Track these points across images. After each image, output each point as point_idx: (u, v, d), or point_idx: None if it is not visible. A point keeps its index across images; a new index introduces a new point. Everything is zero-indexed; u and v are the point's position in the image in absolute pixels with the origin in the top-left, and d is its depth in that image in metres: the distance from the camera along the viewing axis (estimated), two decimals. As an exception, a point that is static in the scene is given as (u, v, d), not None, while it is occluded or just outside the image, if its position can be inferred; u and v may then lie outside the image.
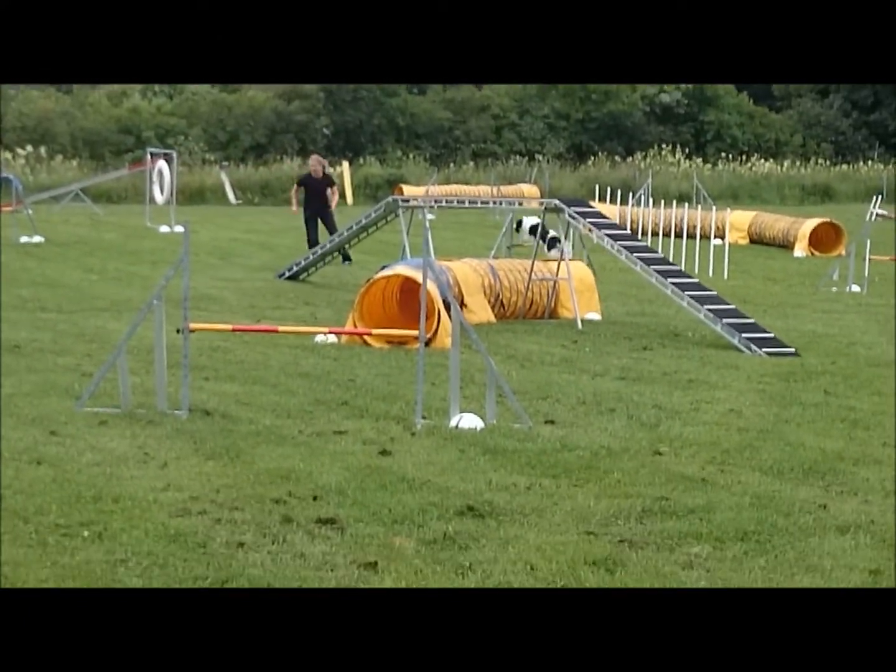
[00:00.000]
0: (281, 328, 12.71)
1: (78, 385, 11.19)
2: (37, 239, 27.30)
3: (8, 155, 49.59)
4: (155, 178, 36.59)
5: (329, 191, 24.79)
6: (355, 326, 14.57)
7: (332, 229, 24.11)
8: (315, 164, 25.34)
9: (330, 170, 25.55)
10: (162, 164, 36.26)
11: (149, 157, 37.12)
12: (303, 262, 21.53)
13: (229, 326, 13.04)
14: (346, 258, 23.84)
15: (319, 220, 24.71)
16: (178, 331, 10.40)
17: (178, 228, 30.39)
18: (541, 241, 22.73)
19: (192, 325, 10.60)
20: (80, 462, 8.53)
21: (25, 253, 25.10)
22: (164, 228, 31.30)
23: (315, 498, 7.77)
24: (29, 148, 50.23)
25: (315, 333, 14.19)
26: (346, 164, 50.55)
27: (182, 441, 9.25)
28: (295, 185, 25.83)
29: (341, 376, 12.13)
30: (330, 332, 13.93)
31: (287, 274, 21.58)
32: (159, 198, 36.29)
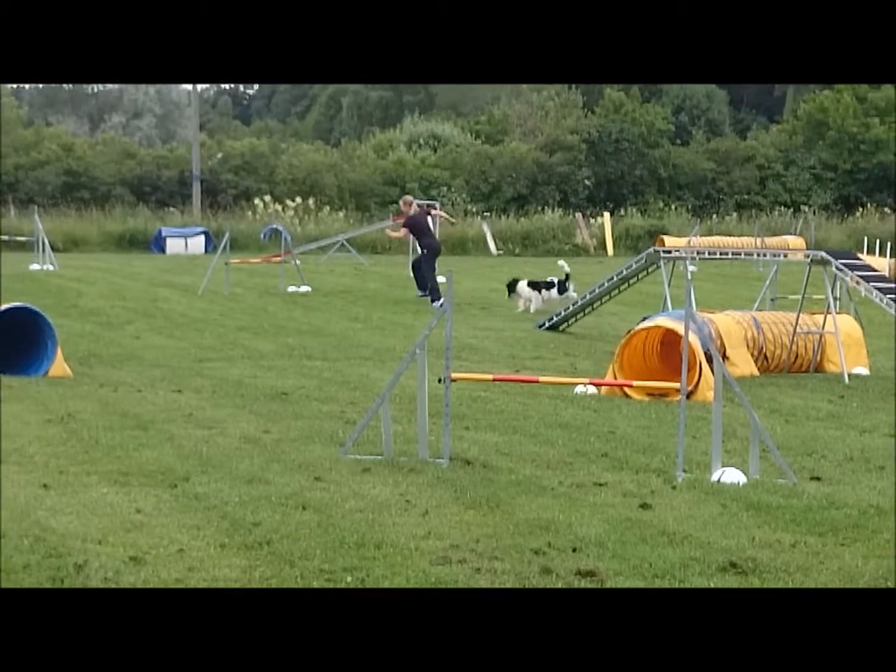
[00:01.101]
0: (541, 378, 12.70)
1: (342, 432, 11.39)
2: (304, 288, 27.99)
3: (278, 207, 51.09)
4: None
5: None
6: (615, 378, 14.49)
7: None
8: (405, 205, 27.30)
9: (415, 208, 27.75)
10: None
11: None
12: (563, 313, 21.56)
13: (490, 376, 13.10)
14: (434, 297, 25.36)
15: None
16: (439, 380, 10.49)
17: (440, 279, 30.74)
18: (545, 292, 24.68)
19: (454, 375, 10.67)
20: (344, 508, 8.66)
21: (293, 302, 25.75)
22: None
23: (574, 550, 7.71)
24: (298, 200, 51.66)
25: (575, 384, 14.15)
26: (606, 215, 50.49)
27: (443, 489, 9.30)
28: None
29: (601, 428, 12.06)
30: (590, 384, 13.86)
31: (547, 324, 21.64)
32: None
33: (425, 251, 26.81)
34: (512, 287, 25.51)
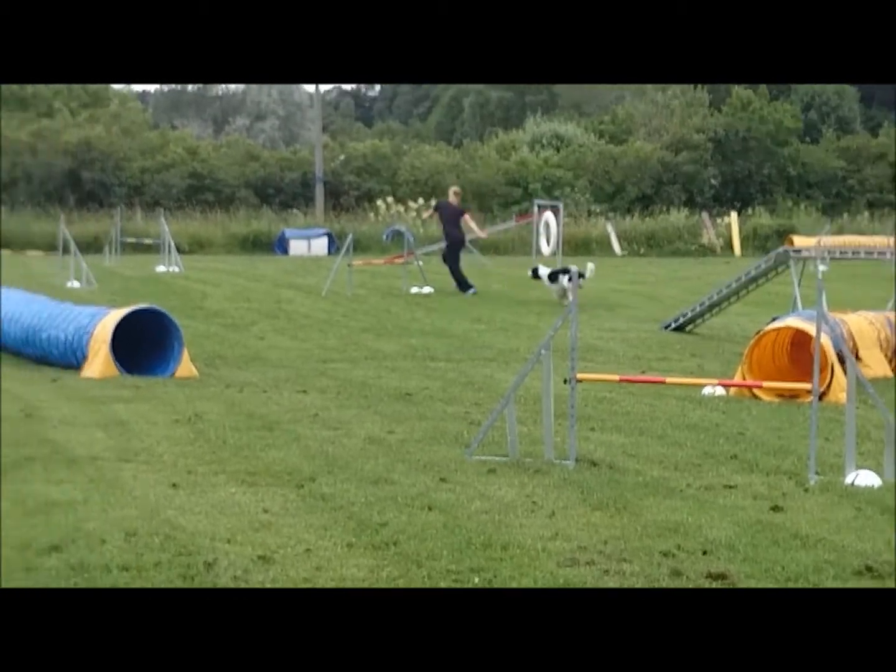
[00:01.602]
0: (668, 379, 12.55)
1: (467, 433, 11.35)
2: (426, 290, 28.02)
3: (400, 208, 51.29)
4: (542, 229, 37.06)
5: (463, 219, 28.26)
6: (744, 379, 14.28)
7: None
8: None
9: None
10: (549, 215, 36.68)
11: (536, 208, 37.66)
12: (689, 314, 21.33)
13: (616, 377, 12.97)
14: (466, 287, 27.08)
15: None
16: (565, 381, 10.40)
17: (565, 280, 30.63)
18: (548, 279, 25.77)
19: (580, 376, 10.57)
20: (470, 509, 8.61)
21: (416, 303, 25.79)
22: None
23: (705, 552, 7.58)
24: (420, 201, 51.82)
25: (703, 385, 13.97)
26: (733, 214, 49.99)
27: (569, 491, 9.21)
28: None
29: (730, 429, 11.88)
30: (718, 385, 13.67)
31: (673, 325, 21.42)
32: (546, 249, 36.72)
33: (447, 243, 28.79)
34: (535, 273, 26.69)
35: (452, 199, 29.03)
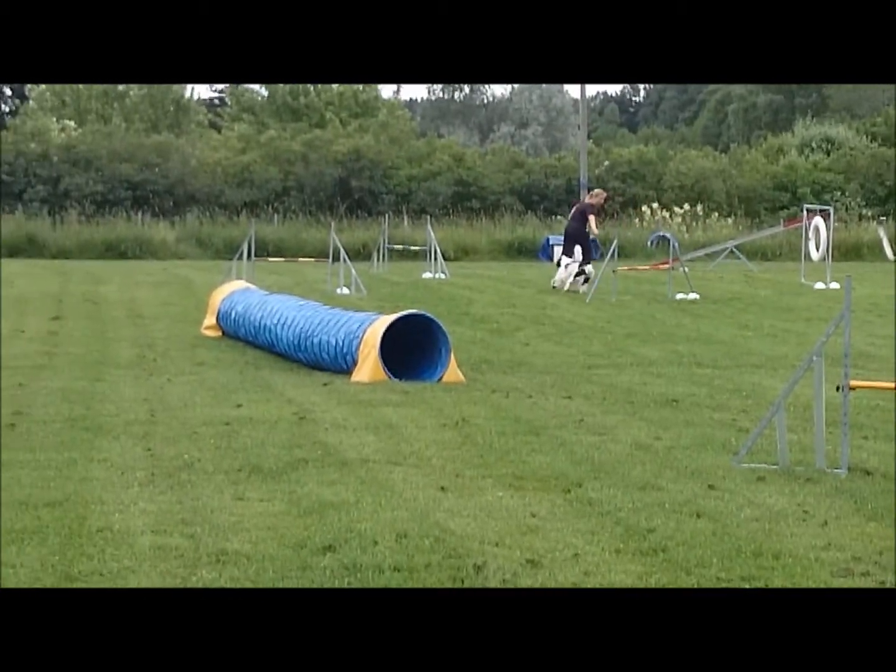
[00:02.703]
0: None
1: (734, 440, 11.21)
2: (692, 296, 27.74)
3: (665, 214, 50.93)
4: (811, 234, 36.33)
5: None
6: None
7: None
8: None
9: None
10: (818, 220, 35.93)
11: (804, 213, 36.92)
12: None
13: (892, 385, 12.62)
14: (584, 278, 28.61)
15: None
16: (837, 388, 10.18)
17: (833, 285, 29.98)
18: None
19: (853, 383, 10.34)
20: (739, 517, 8.51)
21: (681, 309, 25.56)
22: (818, 285, 30.97)
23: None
24: (686, 206, 51.35)
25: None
26: None
27: (842, 500, 9.02)
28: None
29: None
30: None
31: (949, 332, 20.72)
32: (815, 254, 35.98)
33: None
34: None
35: (596, 199, 30.53)
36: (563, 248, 29.89)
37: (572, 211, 30.96)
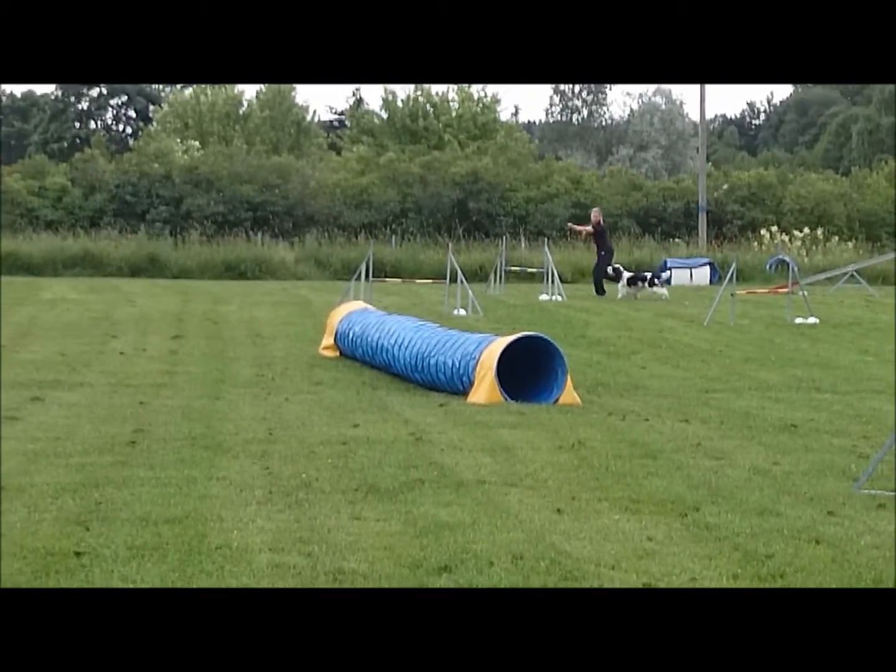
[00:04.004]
0: None
1: (854, 466, 11.08)
2: (811, 320, 27.44)
3: (785, 237, 50.44)
4: (933, 258, 35.78)
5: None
6: None
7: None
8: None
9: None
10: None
11: (927, 237, 36.37)
12: None
13: None
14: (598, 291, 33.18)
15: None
16: (961, 415, 10.04)
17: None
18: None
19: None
20: (859, 544, 8.41)
21: (800, 334, 25.30)
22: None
23: None
24: (806, 230, 50.82)
25: None
26: None
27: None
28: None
29: None
30: None
31: None
32: (937, 279, 35.41)
33: (602, 253, 34.81)
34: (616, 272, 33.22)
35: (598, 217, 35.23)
36: (601, 265, 34.31)
37: (604, 232, 35.75)
